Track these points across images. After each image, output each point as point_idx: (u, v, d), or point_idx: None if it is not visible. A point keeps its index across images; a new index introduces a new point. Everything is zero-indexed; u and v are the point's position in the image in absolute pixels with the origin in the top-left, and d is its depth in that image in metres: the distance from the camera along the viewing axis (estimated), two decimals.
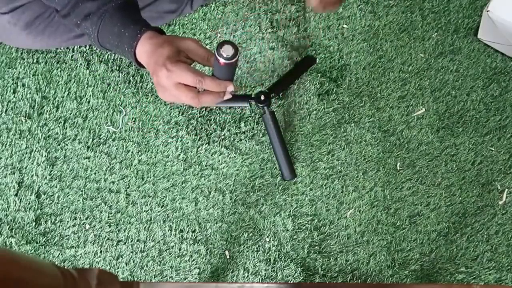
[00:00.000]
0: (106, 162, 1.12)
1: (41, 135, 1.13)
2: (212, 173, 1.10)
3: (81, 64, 1.17)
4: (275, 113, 1.10)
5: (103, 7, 0.78)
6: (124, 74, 1.17)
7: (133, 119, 1.15)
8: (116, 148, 1.12)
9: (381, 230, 1.06)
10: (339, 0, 0.74)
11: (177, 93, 0.75)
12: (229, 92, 0.78)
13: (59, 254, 1.06)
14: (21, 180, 1.11)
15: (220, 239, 1.06)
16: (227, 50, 0.72)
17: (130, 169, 1.11)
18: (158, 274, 1.05)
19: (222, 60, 0.72)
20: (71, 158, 1.12)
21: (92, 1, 0.78)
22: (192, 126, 1.14)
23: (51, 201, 1.09)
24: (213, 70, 0.77)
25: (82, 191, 1.10)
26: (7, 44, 1.18)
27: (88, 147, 1.12)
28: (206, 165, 1.11)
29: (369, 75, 1.17)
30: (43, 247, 1.06)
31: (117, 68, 1.18)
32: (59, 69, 1.18)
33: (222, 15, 1.22)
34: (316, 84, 1.16)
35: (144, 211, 1.08)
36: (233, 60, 0.72)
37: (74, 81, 1.17)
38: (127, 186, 1.10)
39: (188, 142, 1.13)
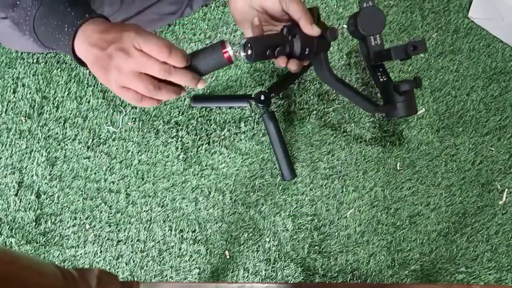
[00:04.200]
0: (106, 162, 1.12)
1: (41, 135, 1.13)
2: (212, 173, 1.10)
3: None
4: (275, 113, 1.10)
5: None
6: None
7: (133, 119, 1.15)
8: (116, 148, 1.12)
9: (381, 230, 1.06)
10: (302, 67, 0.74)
11: (134, 80, 0.63)
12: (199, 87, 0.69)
13: (59, 254, 1.06)
14: (21, 180, 1.11)
15: (220, 239, 1.06)
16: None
17: (130, 169, 1.11)
18: (158, 274, 1.05)
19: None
20: (71, 158, 1.12)
21: None
22: (192, 126, 1.14)
23: (51, 201, 1.09)
24: (196, 61, 0.67)
25: (82, 191, 1.10)
26: (8, 47, 1.18)
27: (88, 147, 1.12)
28: (206, 165, 1.11)
29: (369, 75, 1.17)
30: (43, 247, 1.06)
31: None
32: (59, 69, 1.18)
33: (222, 15, 1.22)
34: (316, 84, 1.15)
35: (144, 211, 1.08)
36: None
37: (74, 81, 1.17)
38: (127, 186, 1.10)
39: (188, 142, 1.13)
